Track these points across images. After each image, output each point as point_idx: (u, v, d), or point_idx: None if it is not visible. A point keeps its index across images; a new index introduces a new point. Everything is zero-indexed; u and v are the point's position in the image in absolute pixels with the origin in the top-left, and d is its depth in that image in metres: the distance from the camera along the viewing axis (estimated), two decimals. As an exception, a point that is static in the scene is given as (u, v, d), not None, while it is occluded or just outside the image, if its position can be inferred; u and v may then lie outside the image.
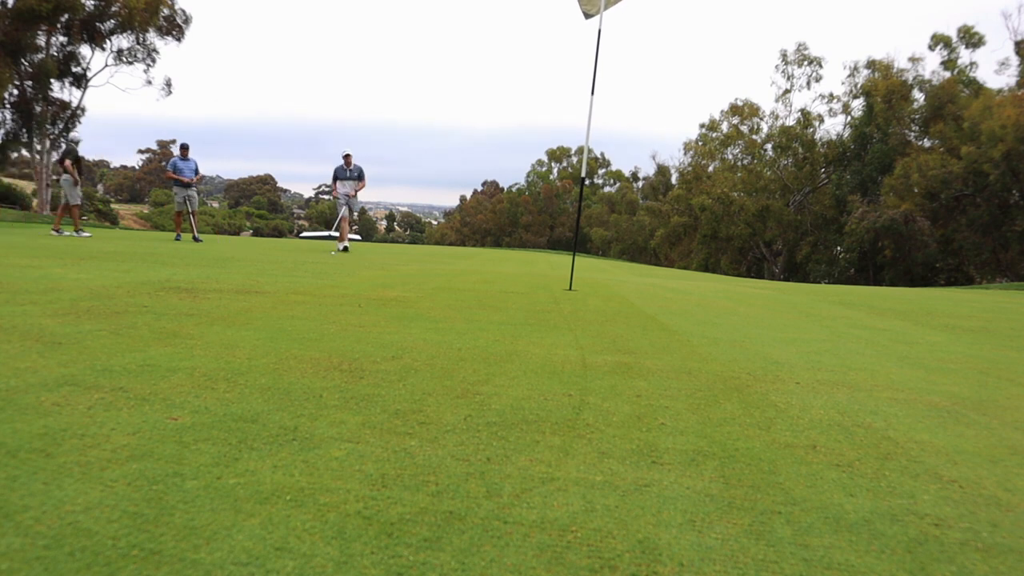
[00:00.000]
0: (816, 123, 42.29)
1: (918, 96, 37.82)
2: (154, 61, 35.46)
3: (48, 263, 6.32)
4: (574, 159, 71.75)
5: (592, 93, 6.56)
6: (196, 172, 14.20)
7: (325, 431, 1.86)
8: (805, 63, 41.68)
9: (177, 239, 13.88)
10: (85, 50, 34.00)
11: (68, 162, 13.63)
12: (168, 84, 36.63)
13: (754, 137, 44.87)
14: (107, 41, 33.99)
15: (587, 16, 6.52)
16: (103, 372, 2.34)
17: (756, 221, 41.72)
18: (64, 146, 14.53)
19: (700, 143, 46.86)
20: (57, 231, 13.76)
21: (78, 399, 2.01)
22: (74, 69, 34.01)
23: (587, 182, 66.53)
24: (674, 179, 54.39)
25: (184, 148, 14.29)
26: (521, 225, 68.69)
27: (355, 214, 14.14)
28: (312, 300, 4.62)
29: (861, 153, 39.36)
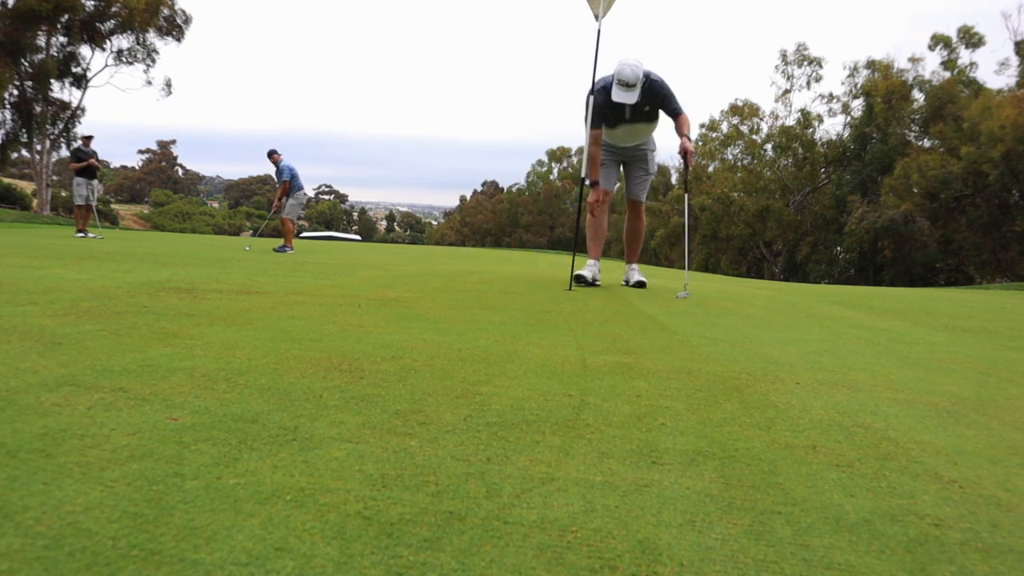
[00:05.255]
0: (816, 123, 42.29)
1: (918, 96, 37.83)
2: (154, 61, 35.55)
3: (48, 263, 6.32)
4: (574, 159, 71.70)
5: (591, 93, 6.56)
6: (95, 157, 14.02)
7: (325, 431, 1.86)
8: (805, 63, 41.68)
9: (82, 235, 13.46)
10: (85, 50, 34.05)
11: (71, 163, 13.73)
12: (168, 85, 36.68)
13: (754, 137, 44.86)
14: (107, 41, 34.02)
15: (597, 18, 6.53)
16: (103, 372, 2.33)
17: (756, 221, 41.71)
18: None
19: (700, 143, 46.84)
20: (82, 232, 13.66)
21: (78, 399, 2.01)
22: (74, 69, 34.04)
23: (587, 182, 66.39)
24: (674, 179, 54.36)
25: (87, 138, 14.13)
26: (521, 225, 68.66)
27: (286, 214, 13.73)
28: (312, 300, 4.62)
29: (861, 153, 39.36)
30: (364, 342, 3.15)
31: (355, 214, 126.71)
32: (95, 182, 13.98)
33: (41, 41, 31.55)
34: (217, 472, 1.54)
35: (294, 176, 13.16)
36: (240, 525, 1.28)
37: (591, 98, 6.42)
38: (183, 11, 35.16)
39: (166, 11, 34.16)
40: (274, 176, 13.62)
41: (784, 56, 41.33)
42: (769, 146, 43.66)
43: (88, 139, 14.18)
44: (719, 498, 1.56)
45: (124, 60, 34.35)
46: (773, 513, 1.49)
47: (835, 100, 41.04)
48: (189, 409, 1.98)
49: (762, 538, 1.37)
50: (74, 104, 33.82)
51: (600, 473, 1.67)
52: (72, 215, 13.89)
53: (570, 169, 70.65)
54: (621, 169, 7.19)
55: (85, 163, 13.47)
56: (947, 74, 36.44)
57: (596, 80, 6.46)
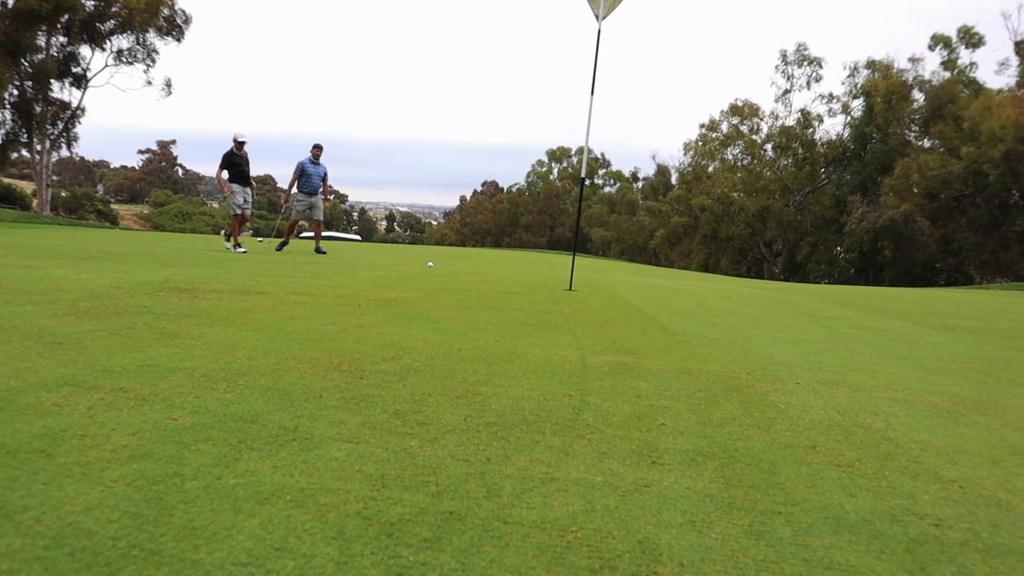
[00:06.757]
0: (816, 123, 42.29)
1: (918, 96, 37.82)
2: (154, 61, 35.50)
3: (48, 263, 6.32)
4: (574, 159, 71.74)
5: (592, 93, 6.57)
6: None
7: (325, 431, 1.86)
8: (805, 63, 41.70)
9: (243, 251, 11.10)
10: (85, 50, 34.02)
11: (221, 173, 11.34)
12: (168, 84, 36.64)
13: (754, 137, 44.88)
14: (107, 41, 34.00)
15: (598, 19, 6.53)
16: (103, 372, 2.33)
17: (756, 221, 41.72)
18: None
19: (700, 143, 46.86)
20: (236, 245, 11.29)
21: (78, 399, 2.01)
22: (74, 69, 34.02)
23: (587, 182, 66.50)
24: (674, 179, 54.40)
25: (240, 143, 11.55)
26: (521, 225, 68.70)
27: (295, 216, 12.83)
28: (312, 300, 4.62)
29: (861, 153, 39.38)
30: (364, 342, 3.15)
31: (355, 214, 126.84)
32: (248, 189, 11.72)
33: (41, 41, 31.54)
34: (217, 472, 1.54)
35: None
36: (240, 525, 1.28)
37: None
38: (183, 11, 35.15)
39: (166, 11, 34.14)
40: (316, 172, 12.43)
41: (784, 56, 41.35)
42: (769, 146, 43.66)
43: (241, 144, 11.64)
44: (719, 498, 1.56)
45: (124, 60, 34.34)
46: (773, 513, 1.49)
47: (835, 100, 41.07)
48: (189, 409, 1.98)
49: (762, 538, 1.37)
50: (74, 104, 33.83)
51: (600, 473, 1.67)
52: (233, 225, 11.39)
53: (570, 169, 70.65)
54: None
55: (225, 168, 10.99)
56: (947, 74, 36.43)
57: None
